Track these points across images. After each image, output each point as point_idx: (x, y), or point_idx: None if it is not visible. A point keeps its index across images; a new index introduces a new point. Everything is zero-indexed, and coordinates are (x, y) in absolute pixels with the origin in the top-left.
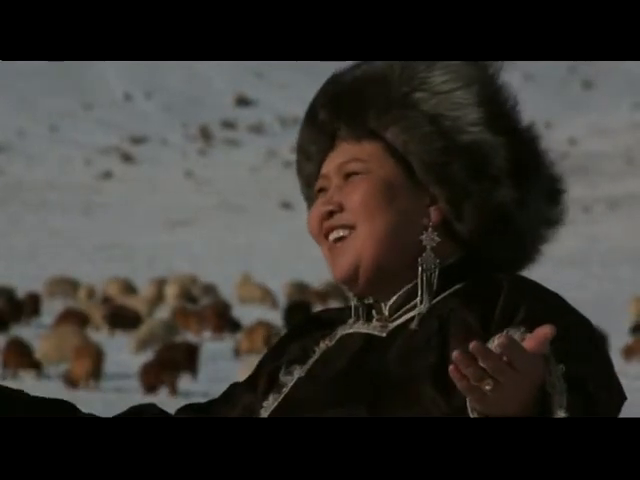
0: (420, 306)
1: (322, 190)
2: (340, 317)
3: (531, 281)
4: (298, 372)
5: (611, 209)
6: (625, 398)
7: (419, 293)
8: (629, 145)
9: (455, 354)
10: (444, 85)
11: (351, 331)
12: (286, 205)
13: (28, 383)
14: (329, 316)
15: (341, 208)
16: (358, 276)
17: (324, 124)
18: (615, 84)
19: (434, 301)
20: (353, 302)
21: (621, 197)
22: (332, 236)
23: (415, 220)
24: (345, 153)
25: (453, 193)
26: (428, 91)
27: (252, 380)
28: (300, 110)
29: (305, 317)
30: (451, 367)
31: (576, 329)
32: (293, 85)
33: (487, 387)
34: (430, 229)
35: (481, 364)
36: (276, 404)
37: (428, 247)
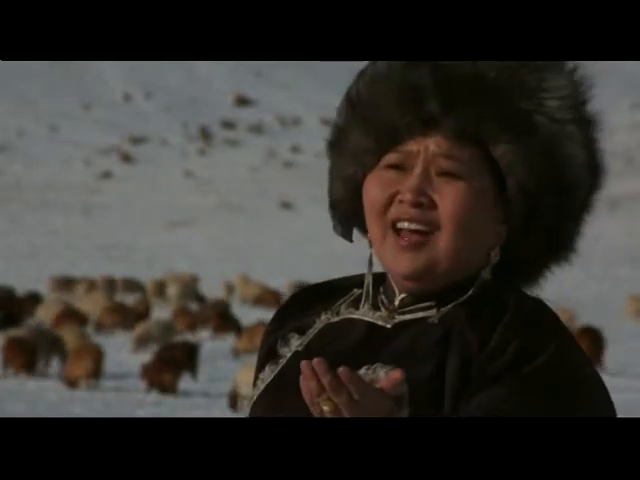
0: (440, 310)
1: (397, 167)
2: (339, 289)
3: (534, 305)
4: (295, 342)
5: (611, 209)
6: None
7: (463, 299)
8: (629, 145)
9: (315, 363)
10: (560, 112)
11: (356, 317)
12: (286, 205)
13: (28, 383)
14: (328, 287)
15: (433, 205)
16: (428, 276)
17: (429, 112)
18: (615, 84)
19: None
20: (367, 286)
21: (621, 197)
22: (408, 226)
23: (488, 234)
24: (443, 146)
25: (534, 222)
26: (547, 116)
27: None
28: (300, 110)
29: (302, 288)
30: (301, 377)
31: (555, 374)
32: (293, 85)
33: (325, 407)
34: (498, 247)
35: (323, 380)
36: (273, 376)
37: (492, 263)
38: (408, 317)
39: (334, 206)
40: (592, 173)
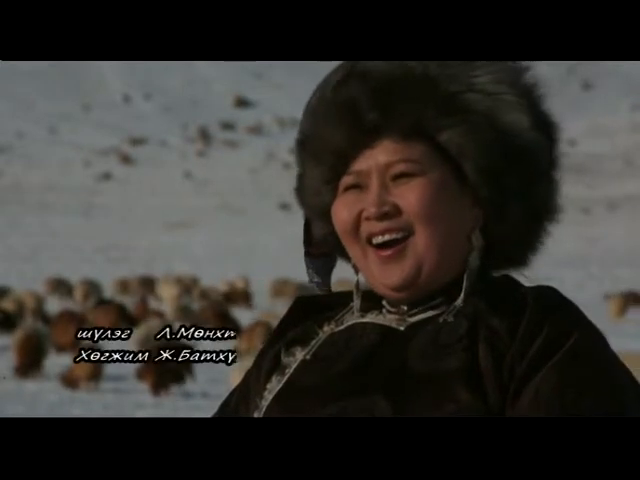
0: (457, 302)
1: (355, 187)
2: (337, 302)
3: (551, 294)
4: (300, 353)
5: (610, 210)
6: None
7: (462, 292)
8: (628, 146)
9: None
10: (493, 86)
11: (364, 321)
12: (285, 206)
13: (28, 383)
14: (324, 299)
15: (398, 211)
16: (417, 281)
17: (370, 123)
18: (615, 85)
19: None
20: (358, 294)
21: (620, 198)
22: (382, 239)
23: (463, 222)
24: (391, 152)
25: (503, 196)
26: (480, 92)
27: (255, 366)
28: (299, 111)
29: (297, 301)
30: None
31: (589, 347)
32: (292, 86)
33: None
34: (477, 230)
35: None
36: (280, 386)
37: (476, 248)
38: (421, 317)
39: (310, 252)
40: (544, 133)
